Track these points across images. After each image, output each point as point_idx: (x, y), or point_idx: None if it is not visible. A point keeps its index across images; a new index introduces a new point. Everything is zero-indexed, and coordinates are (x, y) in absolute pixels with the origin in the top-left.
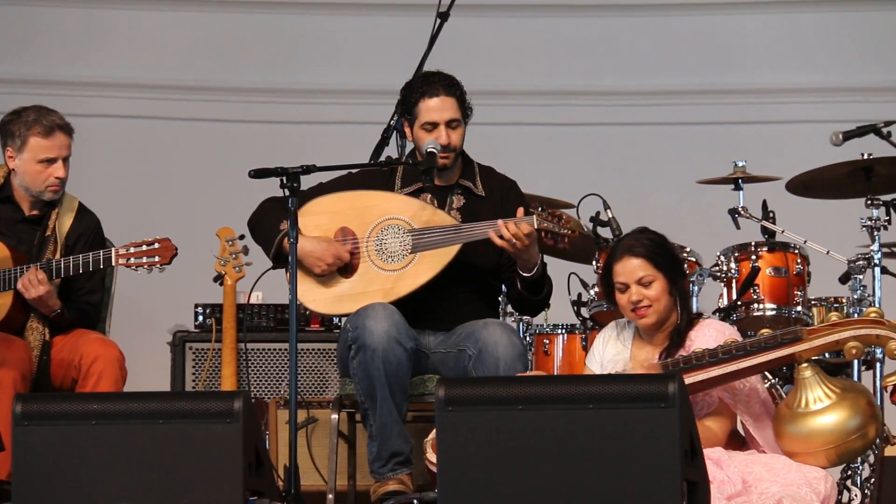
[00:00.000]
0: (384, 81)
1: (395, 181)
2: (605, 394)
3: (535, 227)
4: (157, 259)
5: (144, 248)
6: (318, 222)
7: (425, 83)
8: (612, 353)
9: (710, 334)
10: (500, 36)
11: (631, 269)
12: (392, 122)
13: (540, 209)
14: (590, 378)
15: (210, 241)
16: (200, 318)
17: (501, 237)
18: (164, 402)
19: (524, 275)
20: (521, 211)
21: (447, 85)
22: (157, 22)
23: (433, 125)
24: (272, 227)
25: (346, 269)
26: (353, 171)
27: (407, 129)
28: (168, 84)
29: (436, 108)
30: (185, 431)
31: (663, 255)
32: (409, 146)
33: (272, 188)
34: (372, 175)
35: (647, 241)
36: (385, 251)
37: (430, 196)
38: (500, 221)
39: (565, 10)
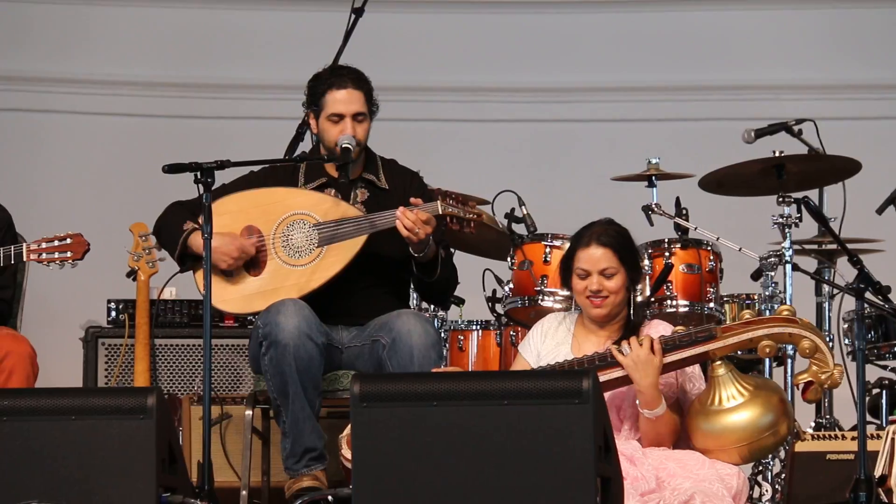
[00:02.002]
0: (299, 77)
1: (299, 177)
2: (520, 390)
3: (441, 212)
4: (68, 254)
5: (56, 243)
6: (222, 223)
7: (334, 75)
8: (552, 344)
9: (662, 331)
10: (413, 32)
11: (597, 258)
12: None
13: (444, 195)
14: (504, 374)
15: (123, 236)
16: (113, 313)
17: (404, 227)
18: (76, 398)
19: (415, 256)
20: (418, 201)
21: (355, 79)
22: (71, 16)
23: (339, 117)
24: (175, 228)
25: (255, 267)
26: (255, 169)
27: (312, 121)
28: (81, 79)
29: (343, 100)
30: (97, 428)
31: (629, 249)
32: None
33: (187, 183)
34: (275, 172)
35: (615, 234)
36: (291, 247)
37: (333, 191)
38: (399, 210)
39: (477, 6)
